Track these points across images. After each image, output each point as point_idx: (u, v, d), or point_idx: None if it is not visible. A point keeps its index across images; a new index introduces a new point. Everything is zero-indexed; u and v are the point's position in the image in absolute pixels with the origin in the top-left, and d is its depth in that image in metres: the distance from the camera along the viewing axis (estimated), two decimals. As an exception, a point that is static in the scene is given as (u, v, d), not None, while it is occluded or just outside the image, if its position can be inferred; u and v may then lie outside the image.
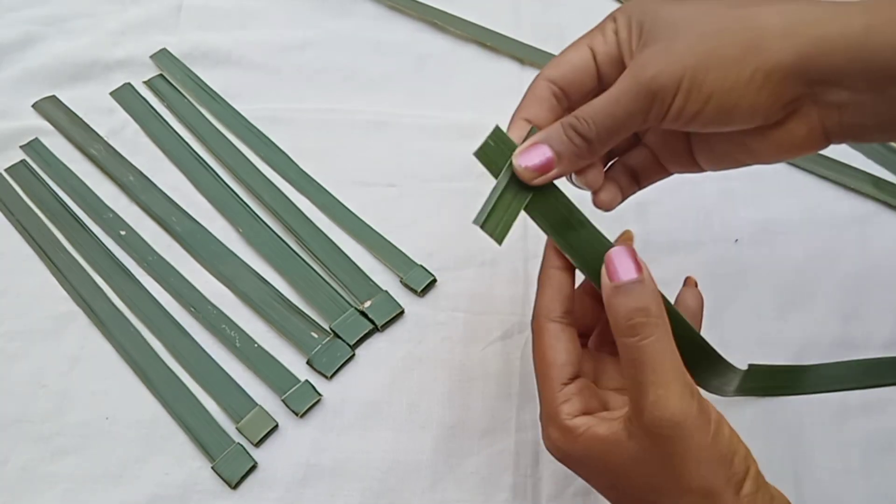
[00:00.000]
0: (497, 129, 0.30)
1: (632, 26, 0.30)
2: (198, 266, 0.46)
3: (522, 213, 0.30)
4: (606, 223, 0.32)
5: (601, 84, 0.31)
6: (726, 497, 0.26)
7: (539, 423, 0.32)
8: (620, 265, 0.28)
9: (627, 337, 0.27)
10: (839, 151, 0.48)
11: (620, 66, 0.30)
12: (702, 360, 0.32)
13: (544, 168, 0.29)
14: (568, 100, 0.31)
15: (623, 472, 0.28)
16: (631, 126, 0.29)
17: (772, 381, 0.39)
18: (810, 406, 0.40)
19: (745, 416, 0.39)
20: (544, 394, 0.30)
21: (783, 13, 0.27)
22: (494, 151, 0.30)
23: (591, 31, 0.32)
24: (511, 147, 0.30)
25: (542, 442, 0.31)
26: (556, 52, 0.34)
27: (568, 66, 0.31)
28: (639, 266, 0.28)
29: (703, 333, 0.32)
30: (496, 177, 0.30)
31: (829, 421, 0.39)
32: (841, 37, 0.26)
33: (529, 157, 0.29)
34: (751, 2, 0.29)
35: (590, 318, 0.33)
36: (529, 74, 0.55)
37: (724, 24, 0.28)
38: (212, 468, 0.38)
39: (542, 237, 0.31)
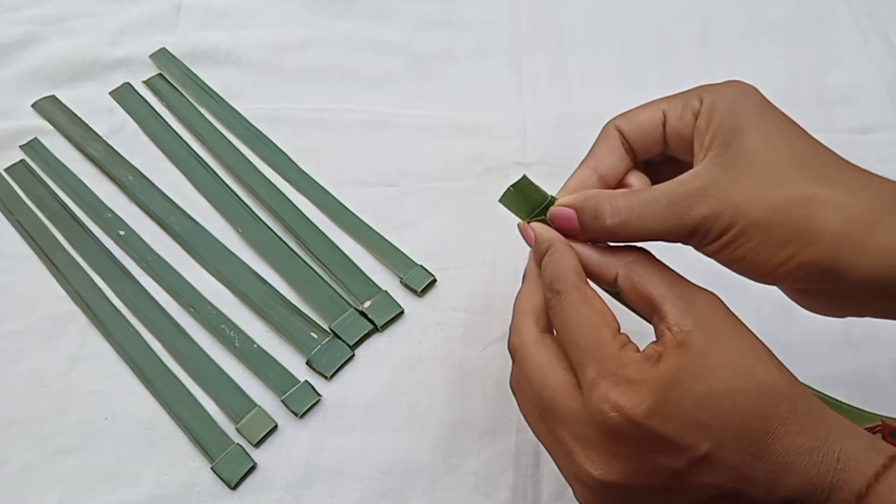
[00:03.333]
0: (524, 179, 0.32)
1: (712, 124, 0.29)
2: (197, 266, 0.46)
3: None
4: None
5: (666, 146, 0.31)
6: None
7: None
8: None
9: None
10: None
11: (687, 147, 0.30)
12: None
13: (566, 227, 0.31)
14: (634, 153, 0.32)
15: (714, 374, 0.25)
16: (661, 239, 0.29)
17: None
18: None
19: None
20: (594, 352, 0.26)
21: (842, 211, 0.26)
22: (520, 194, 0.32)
23: (672, 97, 0.31)
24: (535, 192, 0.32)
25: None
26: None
27: (637, 126, 0.31)
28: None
29: None
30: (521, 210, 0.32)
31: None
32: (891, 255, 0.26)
33: (559, 217, 0.31)
34: (821, 179, 0.27)
35: None
36: (529, 74, 0.55)
37: (786, 197, 0.27)
38: (211, 469, 0.38)
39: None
